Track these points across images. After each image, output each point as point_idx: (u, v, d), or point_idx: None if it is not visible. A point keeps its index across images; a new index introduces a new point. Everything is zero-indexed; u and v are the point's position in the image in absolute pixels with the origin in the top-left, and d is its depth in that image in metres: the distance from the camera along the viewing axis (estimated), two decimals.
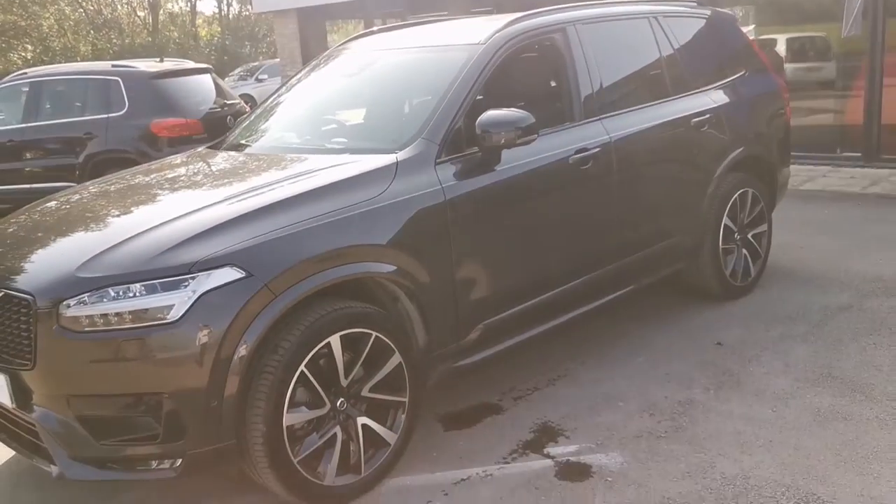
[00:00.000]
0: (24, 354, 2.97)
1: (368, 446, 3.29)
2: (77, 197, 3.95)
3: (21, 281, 3.01)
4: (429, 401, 3.70)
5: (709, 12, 5.40)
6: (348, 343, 3.17)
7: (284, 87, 4.78)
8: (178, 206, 3.38)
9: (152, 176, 4.11)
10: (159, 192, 3.87)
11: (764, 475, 3.24)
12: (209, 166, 4.10)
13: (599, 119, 4.26)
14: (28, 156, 9.20)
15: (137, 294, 2.85)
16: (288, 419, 3.01)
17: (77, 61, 22.32)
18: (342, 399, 3.20)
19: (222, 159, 4.17)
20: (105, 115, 8.88)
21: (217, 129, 9.18)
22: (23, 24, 28.36)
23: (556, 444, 3.60)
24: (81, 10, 32.02)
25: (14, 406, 3.05)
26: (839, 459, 3.32)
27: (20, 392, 3.03)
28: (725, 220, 4.99)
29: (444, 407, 3.96)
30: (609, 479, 3.30)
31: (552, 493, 3.23)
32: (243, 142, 4.36)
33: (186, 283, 2.86)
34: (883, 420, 3.61)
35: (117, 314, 2.84)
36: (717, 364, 4.28)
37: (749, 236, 5.23)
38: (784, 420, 3.66)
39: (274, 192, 3.30)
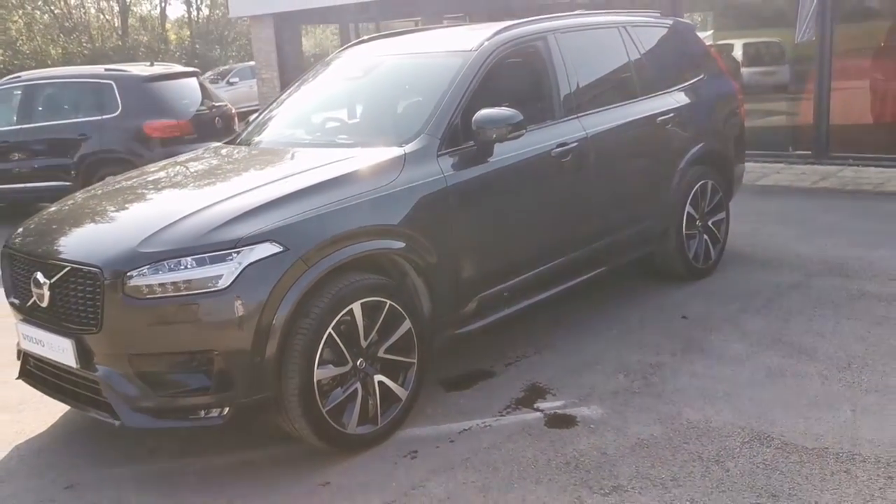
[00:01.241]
0: (90, 320, 3.43)
1: (383, 401, 3.78)
2: (121, 184, 4.41)
3: (88, 256, 3.46)
4: (431, 367, 4.19)
5: (671, 22, 5.99)
6: (367, 310, 3.66)
7: (291, 89, 5.25)
8: (217, 191, 3.87)
9: (186, 167, 4.59)
10: (196, 180, 4.34)
11: (723, 420, 3.79)
12: (234, 158, 4.59)
13: (577, 117, 4.81)
14: (22, 156, 9.53)
15: (190, 266, 3.32)
16: (318, 374, 3.49)
17: (48, 65, 22.41)
18: (361, 359, 3.69)
19: (244, 152, 4.66)
20: (99, 117, 9.26)
21: (206, 129, 9.64)
22: None
23: (544, 401, 4.13)
24: (50, 14, 32.01)
25: (78, 366, 3.50)
26: (787, 406, 3.88)
27: (84, 354, 3.48)
28: (688, 208, 5.56)
29: (444, 373, 4.46)
30: (591, 426, 3.84)
31: (543, 438, 3.76)
32: (260, 137, 4.84)
33: (232, 257, 3.33)
34: (823, 375, 4.18)
35: (173, 283, 3.31)
36: (683, 334, 4.85)
37: (709, 223, 5.81)
38: (740, 377, 4.23)
39: (300, 178, 3.78)
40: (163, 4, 35.90)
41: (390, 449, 3.75)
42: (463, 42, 4.65)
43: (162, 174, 4.46)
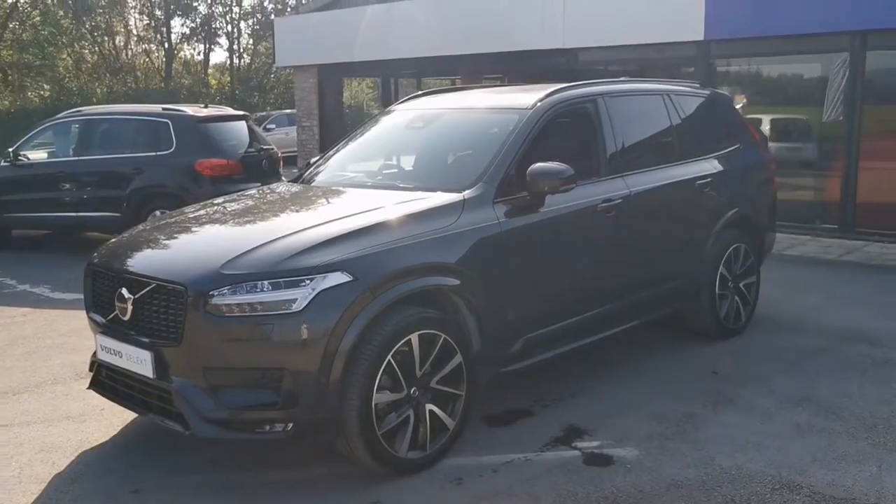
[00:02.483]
0: (171, 334, 3.71)
1: (433, 429, 4.01)
2: (196, 213, 4.75)
3: (174, 274, 3.75)
4: (476, 401, 4.42)
5: (709, 92, 6.32)
6: (423, 342, 3.92)
7: (353, 135, 5.60)
8: (290, 223, 4.19)
9: (256, 200, 4.94)
10: (267, 212, 4.69)
11: (754, 468, 3.98)
12: (301, 195, 4.92)
13: (622, 176, 5.11)
14: (75, 186, 9.94)
15: (267, 289, 3.61)
16: (376, 398, 3.74)
17: (93, 102, 23.15)
18: (415, 387, 3.93)
19: (310, 190, 5.00)
20: (153, 153, 9.68)
21: (253, 170, 10.04)
22: (37, 63, 29.25)
23: (582, 440, 4.34)
24: (98, 53, 33.10)
25: (154, 377, 3.77)
26: (814, 459, 4.07)
27: (160, 366, 3.75)
28: (721, 269, 5.82)
29: (487, 409, 4.68)
30: (628, 465, 4.04)
31: (582, 474, 3.97)
32: (323, 178, 5.18)
33: (306, 283, 3.62)
34: (851, 433, 4.37)
35: (250, 304, 3.59)
36: (713, 388, 5.06)
37: (741, 285, 6.05)
38: (770, 430, 4.43)
39: (368, 216, 4.08)
40: (207, 50, 36.98)
41: (437, 474, 3.97)
42: (519, 100, 4.99)
43: (234, 206, 4.80)
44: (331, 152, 5.57)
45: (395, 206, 4.22)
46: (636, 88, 5.60)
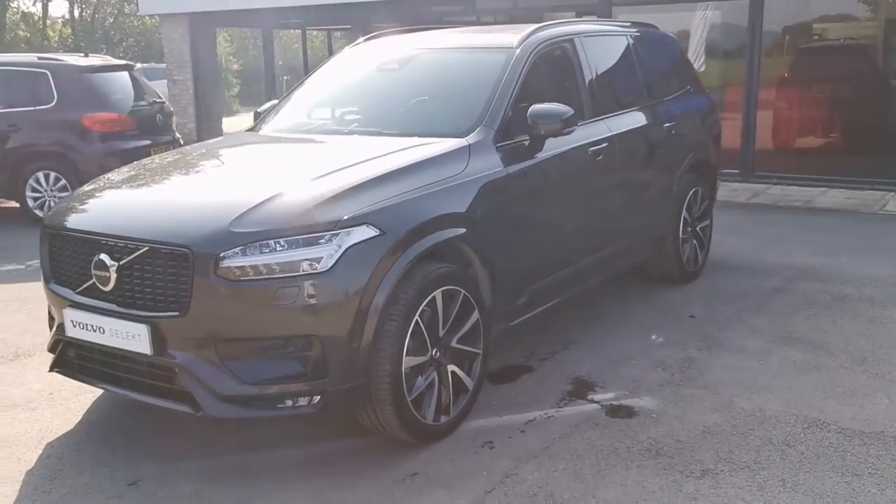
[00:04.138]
0: (173, 304, 3.22)
1: (455, 391, 3.73)
2: (172, 161, 4.25)
3: (172, 235, 3.25)
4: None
5: (661, 33, 6.23)
6: (445, 299, 3.62)
7: (311, 79, 5.12)
8: (292, 173, 3.74)
9: (235, 149, 4.48)
10: (259, 162, 4.22)
11: (774, 409, 3.96)
12: (282, 144, 4.50)
13: (603, 118, 4.93)
14: None
15: (289, 247, 3.19)
16: (405, 362, 3.42)
17: None
18: (436, 348, 3.63)
19: (288, 139, 4.56)
20: (31, 108, 8.69)
21: (147, 125, 9.23)
22: None
23: (596, 393, 4.18)
24: None
25: (153, 353, 3.27)
26: (826, 396, 4.09)
27: (158, 341, 3.26)
28: (684, 213, 5.79)
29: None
30: (653, 416, 3.92)
31: (612, 427, 3.81)
32: (296, 124, 4.72)
33: (332, 238, 3.22)
34: (846, 368, 4.44)
35: (269, 265, 3.16)
36: (698, 331, 5.03)
37: (698, 229, 6.06)
38: (771, 370, 4.43)
39: (377, 164, 3.70)
40: (45, 1, 33.77)
41: (464, 440, 3.71)
42: (500, 40, 4.69)
43: (207, 157, 4.27)
44: (288, 98, 5.07)
45: (400, 153, 3.85)
46: (605, 29, 5.43)
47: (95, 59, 9.52)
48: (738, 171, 10.44)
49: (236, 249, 3.17)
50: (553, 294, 4.51)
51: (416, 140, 4.05)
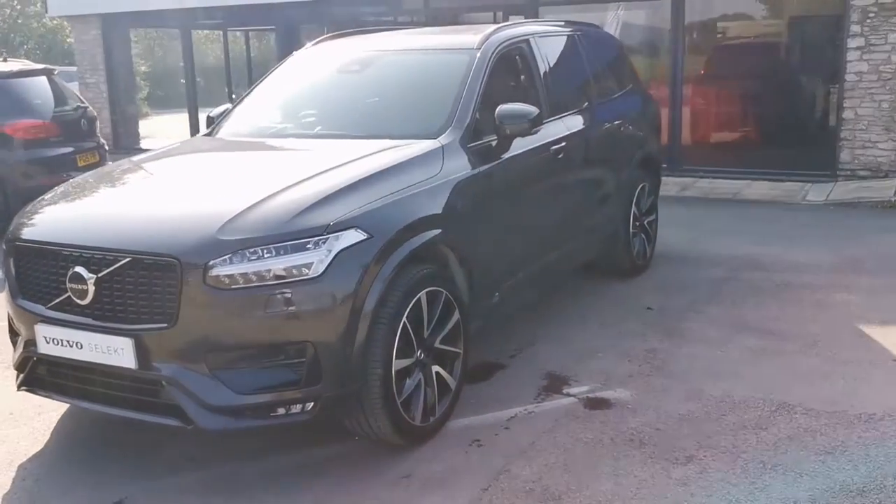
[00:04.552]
0: (158, 315, 3.14)
1: (439, 392, 3.74)
2: (140, 168, 4.13)
3: (157, 245, 3.15)
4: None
5: (603, 32, 6.38)
6: (429, 300, 3.62)
7: (264, 83, 5.03)
8: (268, 178, 3.67)
9: (195, 156, 4.40)
10: (226, 168, 4.15)
11: (742, 394, 4.11)
12: (248, 149, 4.44)
13: (560, 117, 5.02)
14: None
15: (277, 253, 3.14)
16: (395, 364, 3.41)
17: None
18: (421, 350, 3.64)
19: (252, 144, 4.50)
20: None
21: (72, 131, 8.90)
22: None
23: (570, 387, 4.26)
24: None
25: (137, 367, 3.18)
26: (787, 379, 4.28)
27: (143, 354, 3.17)
28: (633, 207, 5.94)
29: None
30: (629, 406, 4.02)
31: (592, 419, 3.89)
32: (257, 129, 4.64)
33: (321, 243, 3.19)
34: (801, 352, 4.64)
35: (259, 272, 3.11)
36: (657, 323, 5.17)
37: (645, 223, 6.23)
38: (732, 357, 4.60)
39: (354, 167, 3.68)
40: None
41: (451, 439, 3.73)
42: (460, 41, 4.73)
43: (173, 163, 4.18)
44: (242, 102, 4.98)
45: (375, 156, 3.84)
46: (556, 29, 5.51)
47: (14, 64, 9.11)
48: (665, 166, 10.72)
49: (225, 257, 3.11)
50: (522, 292, 4.58)
51: (387, 142, 4.05)
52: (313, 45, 5.22)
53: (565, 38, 5.56)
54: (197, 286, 3.08)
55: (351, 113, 4.54)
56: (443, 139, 4.03)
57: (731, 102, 11.28)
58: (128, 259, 3.17)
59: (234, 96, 16.70)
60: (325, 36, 5.31)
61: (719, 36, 11.36)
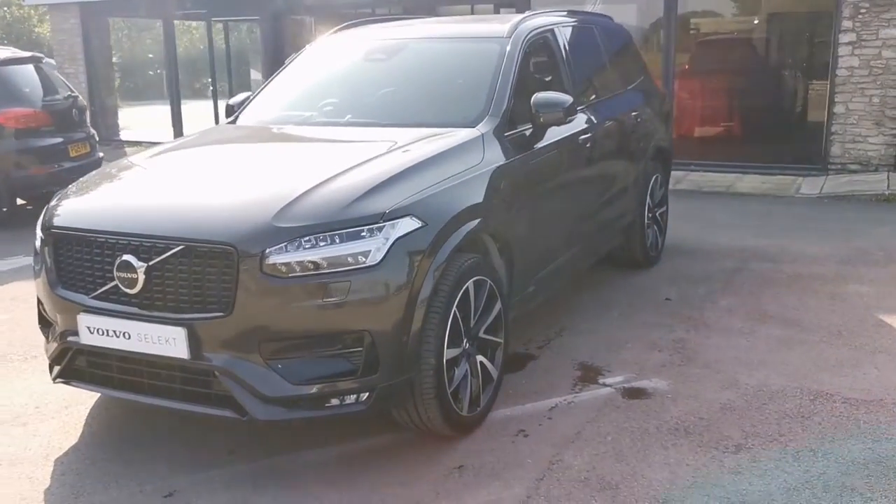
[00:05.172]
0: (212, 304, 3.06)
1: (483, 381, 3.71)
2: (175, 157, 4.07)
3: (212, 233, 3.07)
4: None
5: (616, 24, 6.37)
6: (476, 289, 3.58)
7: (287, 71, 4.95)
8: (316, 165, 3.63)
9: (233, 143, 4.35)
10: (270, 155, 4.12)
11: (778, 383, 4.13)
12: (283, 135, 4.40)
13: (585, 107, 5.00)
14: None
15: (336, 241, 3.08)
16: (446, 354, 3.37)
17: None
18: (467, 339, 3.60)
19: (283, 130, 4.43)
20: None
21: (63, 120, 8.72)
22: None
23: (605, 377, 4.25)
24: None
25: (190, 357, 3.10)
26: (818, 369, 4.31)
27: (196, 344, 3.09)
28: (647, 199, 5.95)
29: None
30: (668, 396, 4.02)
31: (634, 409, 3.88)
32: (279, 118, 4.54)
33: (378, 231, 3.14)
34: (826, 342, 4.68)
35: (316, 260, 3.05)
36: (678, 313, 5.18)
37: (657, 214, 6.25)
38: (759, 347, 4.62)
39: (405, 154, 3.63)
40: None
41: (496, 429, 3.70)
42: (489, 29, 4.70)
43: (213, 149, 4.13)
44: (264, 89, 4.89)
45: (419, 144, 3.78)
46: (575, 20, 5.47)
47: (3, 52, 8.89)
48: None
49: (281, 245, 3.04)
50: (553, 281, 4.56)
51: (424, 131, 4.00)
52: (332, 33, 5.14)
53: (584, 28, 5.54)
54: (253, 274, 3.01)
55: (382, 101, 4.48)
56: (481, 127, 4.00)
57: (721, 96, 11.39)
58: (181, 247, 3.09)
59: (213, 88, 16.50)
60: (343, 24, 5.22)
61: (710, 30, 11.45)
